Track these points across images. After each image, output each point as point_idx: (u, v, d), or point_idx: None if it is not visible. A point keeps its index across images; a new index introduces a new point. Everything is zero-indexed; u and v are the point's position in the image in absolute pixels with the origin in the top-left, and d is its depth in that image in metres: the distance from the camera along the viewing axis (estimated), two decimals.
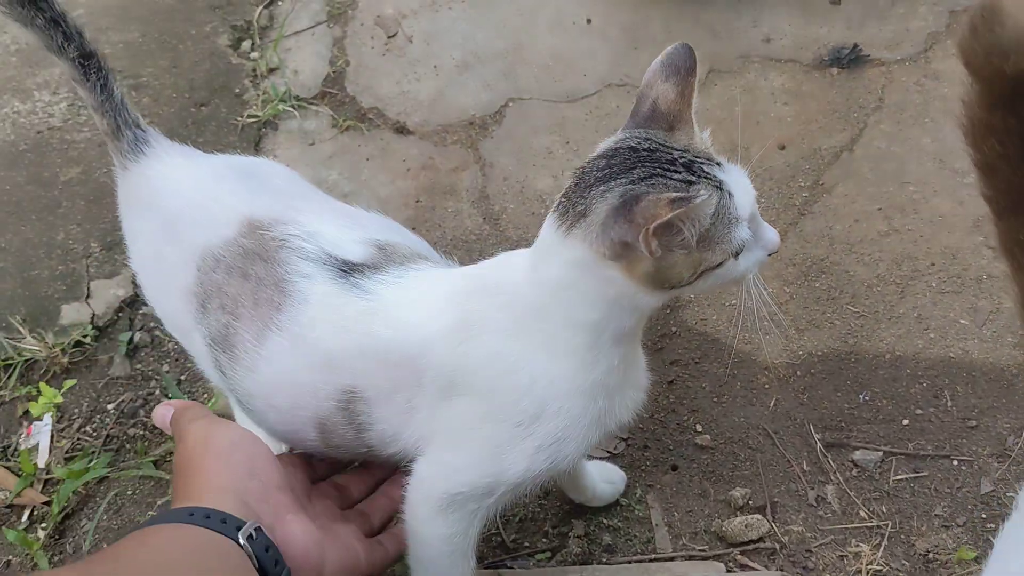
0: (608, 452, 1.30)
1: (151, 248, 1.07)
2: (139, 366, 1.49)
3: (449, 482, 0.92)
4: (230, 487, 0.79)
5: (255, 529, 0.75)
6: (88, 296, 1.57)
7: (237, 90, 1.90)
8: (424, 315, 0.92)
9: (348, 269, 0.94)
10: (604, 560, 1.19)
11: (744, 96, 1.72)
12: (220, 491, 0.78)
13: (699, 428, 1.32)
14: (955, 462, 1.22)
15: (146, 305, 1.56)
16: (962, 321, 1.38)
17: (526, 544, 1.22)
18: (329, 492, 0.98)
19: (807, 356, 1.37)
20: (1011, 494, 1.18)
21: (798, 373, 1.36)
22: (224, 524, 0.74)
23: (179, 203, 1.04)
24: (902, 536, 1.17)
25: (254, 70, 1.94)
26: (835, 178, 1.57)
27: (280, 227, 0.97)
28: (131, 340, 1.51)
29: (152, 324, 1.53)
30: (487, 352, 0.89)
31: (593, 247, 0.81)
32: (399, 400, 0.93)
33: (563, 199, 0.85)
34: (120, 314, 1.55)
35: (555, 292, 0.85)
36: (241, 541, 0.73)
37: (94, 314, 1.54)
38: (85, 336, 1.49)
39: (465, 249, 1.57)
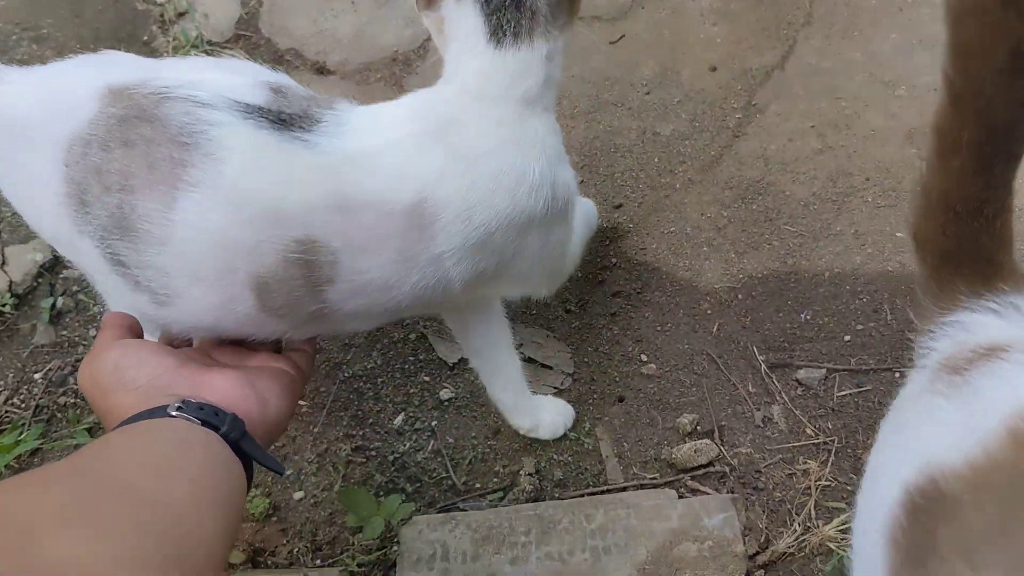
0: (555, 388, 1.28)
1: (14, 175, 0.94)
2: (64, 332, 1.42)
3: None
4: (139, 399, 0.79)
5: (180, 402, 0.78)
6: (4, 263, 1.49)
7: (145, 37, 1.81)
8: (406, 158, 0.90)
9: (276, 119, 0.87)
10: (556, 495, 1.18)
11: (672, 18, 1.69)
12: (134, 407, 0.78)
13: (644, 358, 1.31)
14: (897, 374, 1.23)
15: (67, 268, 1.49)
16: (898, 234, 1.38)
17: (477, 485, 1.21)
18: (226, 347, 0.96)
19: (747, 279, 1.36)
20: None
21: (739, 296, 1.35)
22: (152, 414, 0.76)
23: (22, 110, 0.90)
24: (848, 451, 1.18)
25: (162, 15, 1.84)
26: (767, 97, 1.55)
27: (151, 84, 0.86)
28: (54, 306, 1.44)
29: (75, 288, 1.46)
30: (492, 171, 0.92)
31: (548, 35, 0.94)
32: (388, 251, 0.89)
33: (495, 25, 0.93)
34: (39, 280, 1.48)
35: (519, 87, 0.95)
36: (172, 414, 0.76)
37: (11, 281, 1.46)
38: (4, 305, 1.42)
39: None
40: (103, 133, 0.85)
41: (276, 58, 1.75)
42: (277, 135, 0.86)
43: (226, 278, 0.88)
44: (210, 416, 0.77)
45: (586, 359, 1.32)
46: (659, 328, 1.33)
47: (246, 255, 0.86)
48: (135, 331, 0.89)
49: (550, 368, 1.31)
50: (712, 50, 1.64)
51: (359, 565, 1.12)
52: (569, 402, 1.25)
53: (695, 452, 1.19)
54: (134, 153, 0.85)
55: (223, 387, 0.82)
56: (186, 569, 0.62)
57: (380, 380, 1.32)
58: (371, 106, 0.97)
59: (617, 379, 1.29)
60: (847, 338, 1.28)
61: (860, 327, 1.28)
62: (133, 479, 0.67)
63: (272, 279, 0.87)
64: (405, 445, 1.25)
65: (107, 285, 0.95)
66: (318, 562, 1.15)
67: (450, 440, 1.25)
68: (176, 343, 0.95)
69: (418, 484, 1.21)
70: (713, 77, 1.60)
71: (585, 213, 1.24)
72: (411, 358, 1.34)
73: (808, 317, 1.31)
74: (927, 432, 0.66)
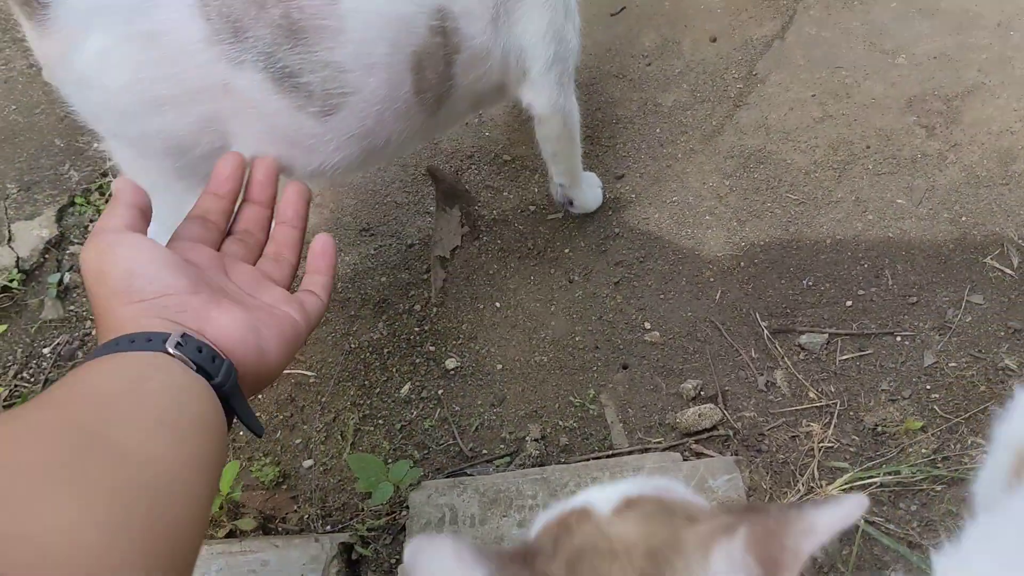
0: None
1: (128, 56, 0.93)
2: (72, 307, 1.44)
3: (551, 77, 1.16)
4: (143, 313, 0.74)
5: (180, 336, 0.72)
6: (10, 239, 1.50)
7: None
8: None
9: None
10: (562, 460, 1.19)
11: None
12: (135, 320, 0.73)
13: (647, 325, 1.32)
14: (898, 338, 1.24)
15: (74, 243, 1.51)
16: (899, 201, 1.39)
17: (484, 452, 1.22)
18: (237, 250, 0.90)
19: (749, 246, 1.37)
20: (952, 364, 1.20)
21: (742, 264, 1.36)
22: (151, 343, 0.71)
23: None
24: (851, 413, 1.19)
25: None
26: (768, 67, 1.56)
27: None
28: (61, 281, 1.46)
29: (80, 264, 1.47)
30: None
31: None
32: (486, 12, 1.03)
33: None
34: (46, 256, 1.49)
35: None
36: (171, 351, 0.70)
37: (19, 257, 1.48)
38: (12, 281, 1.43)
39: (399, 165, 1.54)
40: None
41: None
42: None
43: (394, 60, 0.97)
44: (206, 361, 0.72)
45: (589, 327, 1.33)
46: (662, 296, 1.35)
47: (407, 31, 0.96)
48: (146, 216, 0.81)
49: None
50: (712, 21, 1.64)
51: (369, 530, 1.14)
52: (574, 370, 1.27)
53: (699, 416, 1.20)
54: None
55: (227, 327, 0.77)
56: (173, 534, 0.60)
57: (386, 351, 1.33)
58: None
59: (621, 347, 1.30)
60: (848, 303, 1.29)
61: (861, 292, 1.29)
62: (122, 435, 0.63)
63: (423, 54, 0.98)
64: (412, 413, 1.26)
65: (263, 122, 0.98)
66: (328, 528, 1.16)
67: (456, 408, 1.26)
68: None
69: (426, 451, 1.23)
70: (713, 48, 1.61)
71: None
72: (416, 329, 1.35)
73: (810, 283, 1.32)
74: None
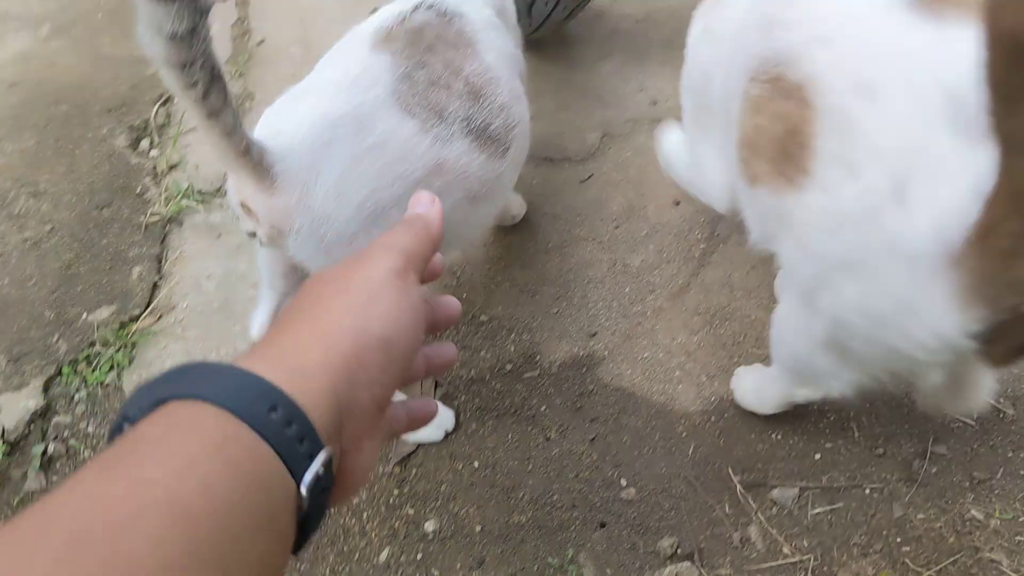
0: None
1: (363, 172, 1.05)
2: (55, 478, 1.45)
3: None
4: (330, 364, 0.47)
5: (327, 458, 0.45)
6: None
7: (138, 190, 1.90)
8: None
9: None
10: None
11: (637, 158, 1.80)
12: (316, 379, 0.47)
13: (624, 482, 1.34)
14: (867, 490, 1.27)
15: (58, 414, 1.53)
16: None
17: None
18: None
19: (720, 401, 1.42)
20: (921, 516, 1.23)
21: (712, 419, 1.40)
22: (278, 426, 0.43)
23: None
24: (824, 568, 1.21)
25: (155, 168, 1.95)
26: (729, 227, 1.64)
27: (392, 16, 1.20)
28: (45, 452, 1.48)
29: (67, 434, 1.50)
30: None
31: None
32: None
33: None
34: (31, 427, 1.51)
35: None
36: (303, 492, 0.44)
37: (4, 428, 1.50)
38: None
39: None
40: (407, 62, 1.11)
41: None
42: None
43: (516, 85, 1.31)
44: (313, 504, 0.45)
45: (567, 485, 1.35)
46: (637, 452, 1.38)
47: (514, 60, 1.36)
48: (433, 271, 0.61)
49: None
50: (675, 186, 1.73)
51: None
52: (552, 530, 1.28)
53: None
54: (435, 53, 1.13)
55: (359, 466, 0.51)
56: None
57: (365, 515, 1.35)
58: None
59: (598, 504, 1.32)
60: (817, 456, 1.32)
61: (829, 445, 1.33)
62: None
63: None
64: None
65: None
66: None
67: (436, 573, 1.27)
68: None
69: None
70: (677, 211, 1.70)
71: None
72: (396, 491, 1.37)
73: (779, 437, 1.35)
74: None
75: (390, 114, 1.07)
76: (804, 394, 1.22)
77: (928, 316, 0.82)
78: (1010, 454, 1.27)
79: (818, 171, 0.90)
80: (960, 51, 0.69)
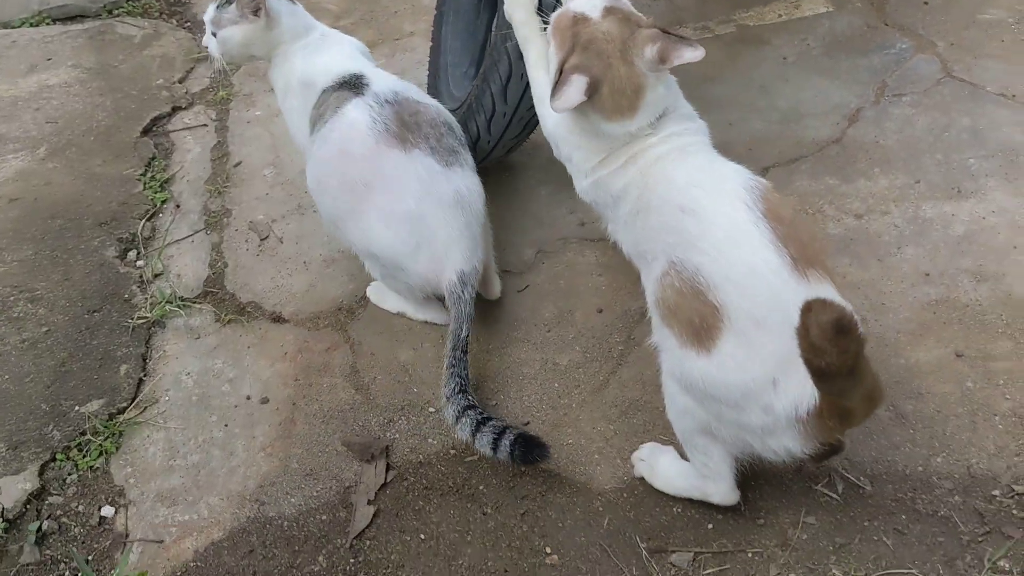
0: None
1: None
2: (48, 551, 1.65)
3: None
4: None
5: None
6: None
7: (126, 296, 2.14)
8: None
9: None
10: None
11: (567, 271, 2.08)
12: None
13: (548, 550, 1.57)
14: (749, 554, 1.51)
15: (52, 494, 1.73)
16: None
17: None
18: None
19: (631, 480, 1.66)
20: (792, 574, 1.47)
21: (624, 495, 1.64)
22: None
23: None
24: None
25: (141, 277, 2.19)
26: (643, 333, 1.90)
27: None
28: (39, 529, 1.67)
29: (59, 512, 1.70)
30: None
31: None
32: None
33: None
34: (27, 506, 1.71)
35: None
36: None
37: (3, 508, 1.69)
38: None
39: (340, 419, 1.82)
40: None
41: (239, 310, 2.09)
42: None
43: None
44: None
45: (500, 554, 1.57)
46: (560, 524, 1.61)
47: None
48: None
49: None
50: (598, 296, 2.02)
51: None
52: None
53: None
54: None
55: None
56: None
57: None
58: None
59: (526, 570, 1.55)
60: (710, 526, 1.56)
61: (720, 516, 1.57)
62: None
63: None
64: None
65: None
66: None
67: None
68: None
69: None
70: (600, 317, 1.97)
71: None
72: (351, 560, 1.58)
73: (679, 510, 1.59)
74: None
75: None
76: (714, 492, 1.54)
77: (780, 440, 1.33)
78: (866, 523, 1.52)
79: (718, 356, 1.31)
80: None
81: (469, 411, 1.66)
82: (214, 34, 1.97)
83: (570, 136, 1.57)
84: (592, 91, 1.40)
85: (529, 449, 1.60)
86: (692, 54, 1.37)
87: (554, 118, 1.61)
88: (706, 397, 1.36)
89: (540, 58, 1.70)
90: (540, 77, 1.71)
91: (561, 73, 1.41)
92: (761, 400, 1.29)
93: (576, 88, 1.39)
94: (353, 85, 1.88)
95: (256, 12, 1.91)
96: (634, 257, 1.56)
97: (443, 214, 1.82)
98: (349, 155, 1.82)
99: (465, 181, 1.87)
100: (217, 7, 1.96)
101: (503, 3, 1.77)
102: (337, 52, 2.00)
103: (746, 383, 1.30)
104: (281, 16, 1.95)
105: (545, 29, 1.57)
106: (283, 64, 1.99)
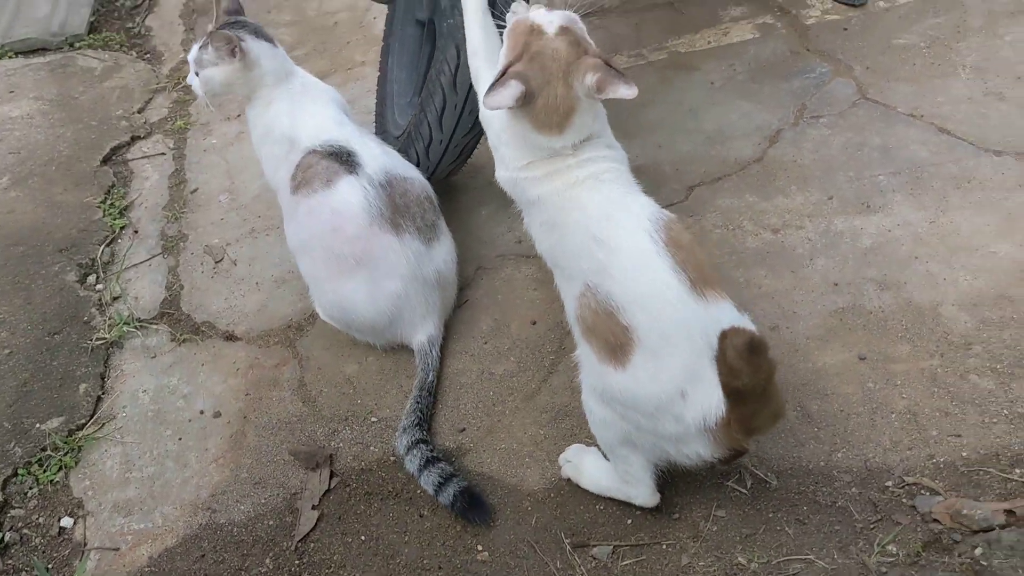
0: None
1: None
2: (11, 561, 1.74)
3: None
4: None
5: None
6: None
7: (86, 318, 2.24)
8: None
9: None
10: None
11: (504, 286, 2.20)
12: None
13: (480, 547, 1.69)
14: (664, 546, 1.64)
15: (14, 508, 1.83)
16: None
17: None
18: None
19: (558, 481, 1.78)
20: (702, 563, 1.59)
21: (552, 495, 1.76)
22: None
23: None
24: None
25: (100, 300, 2.30)
26: (572, 343, 2.02)
27: None
28: (2, 540, 1.77)
29: (20, 524, 1.80)
30: None
31: None
32: None
33: None
34: None
35: None
36: None
37: None
38: None
39: (288, 430, 1.93)
40: None
41: (194, 329, 2.20)
42: None
43: None
44: None
45: (435, 552, 1.69)
46: (492, 523, 1.72)
47: None
48: None
49: None
50: (533, 308, 2.14)
51: None
52: None
53: None
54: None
55: None
56: None
57: None
58: None
59: (459, 565, 1.66)
60: (629, 521, 1.69)
61: (638, 512, 1.69)
62: None
63: None
64: None
65: None
66: None
67: None
68: None
69: None
70: (534, 329, 2.09)
71: None
72: (296, 561, 1.69)
73: (601, 507, 1.72)
74: None
75: None
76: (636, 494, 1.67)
77: (692, 447, 1.47)
78: (771, 514, 1.65)
79: (632, 370, 1.44)
80: (716, 318, 1.39)
81: (421, 445, 1.79)
82: (197, 74, 2.05)
83: (501, 131, 1.65)
84: (526, 101, 1.50)
85: (471, 506, 1.71)
86: (626, 91, 1.45)
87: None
88: (624, 409, 1.49)
89: (479, 47, 1.78)
90: (480, 64, 1.79)
91: (503, 74, 1.50)
92: (672, 410, 1.43)
93: (510, 92, 1.48)
94: (344, 160, 1.95)
95: (232, 53, 1.97)
96: (548, 262, 1.68)
97: (424, 294, 1.99)
98: (341, 232, 1.92)
99: (443, 255, 2.05)
100: (199, 47, 2.03)
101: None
102: (323, 112, 2.05)
103: (658, 395, 1.43)
104: (261, 59, 2.02)
105: (498, 26, 1.69)
106: (265, 110, 2.04)
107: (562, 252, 1.60)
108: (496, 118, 1.66)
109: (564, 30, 1.52)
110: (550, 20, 1.53)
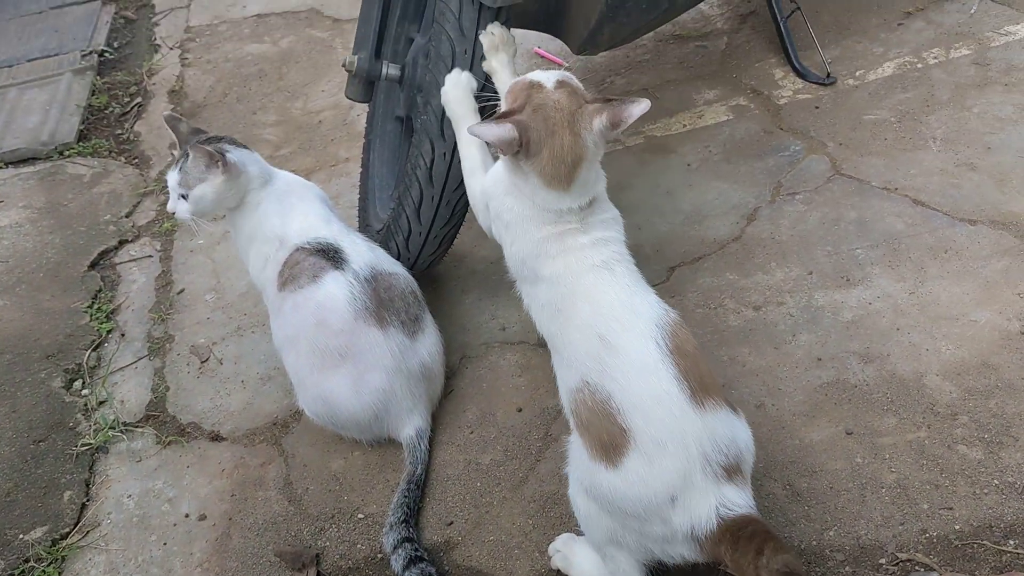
0: None
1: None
2: None
3: None
4: None
5: None
6: None
7: (71, 424, 2.23)
8: None
9: None
10: None
11: (489, 373, 2.20)
12: None
13: None
14: None
15: None
16: None
17: None
18: None
19: (547, 571, 1.74)
20: None
21: None
22: None
23: None
24: None
25: (86, 405, 2.29)
26: (560, 429, 2.03)
27: None
28: None
29: None
30: None
31: None
32: None
33: None
34: None
35: None
36: None
37: None
38: None
39: (274, 531, 1.91)
40: None
41: (179, 431, 2.19)
42: None
43: None
44: None
45: None
46: None
47: None
48: None
49: None
50: (518, 395, 2.14)
51: None
52: None
53: None
54: None
55: None
56: None
57: None
58: None
59: None
60: None
61: None
62: None
63: None
64: None
65: None
66: None
67: None
68: None
69: None
70: (520, 416, 2.08)
71: None
72: None
73: None
74: None
75: None
76: None
77: (678, 549, 1.46)
78: None
79: (624, 471, 1.44)
80: (712, 427, 1.42)
81: (406, 544, 1.77)
82: (184, 196, 2.02)
83: (504, 210, 1.68)
84: (517, 147, 1.52)
85: None
86: (639, 109, 1.50)
87: (492, 177, 1.75)
88: (613, 507, 1.48)
89: (478, 165, 1.84)
90: (472, 152, 1.84)
91: (503, 117, 1.53)
92: (661, 513, 1.42)
93: (501, 131, 1.50)
94: (331, 256, 1.98)
95: (217, 165, 1.98)
96: (545, 337, 1.68)
97: (410, 387, 2.00)
98: (326, 326, 1.93)
99: (428, 347, 2.05)
100: (179, 170, 2.02)
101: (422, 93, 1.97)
102: (309, 209, 2.08)
103: (648, 497, 1.42)
104: (247, 165, 2.05)
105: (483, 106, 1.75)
106: (253, 212, 2.06)
107: (564, 341, 1.60)
108: (499, 190, 1.69)
109: (562, 83, 1.56)
110: (548, 76, 1.58)
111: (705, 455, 1.40)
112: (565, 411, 1.62)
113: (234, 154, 2.03)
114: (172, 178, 2.05)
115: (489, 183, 1.76)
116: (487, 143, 1.77)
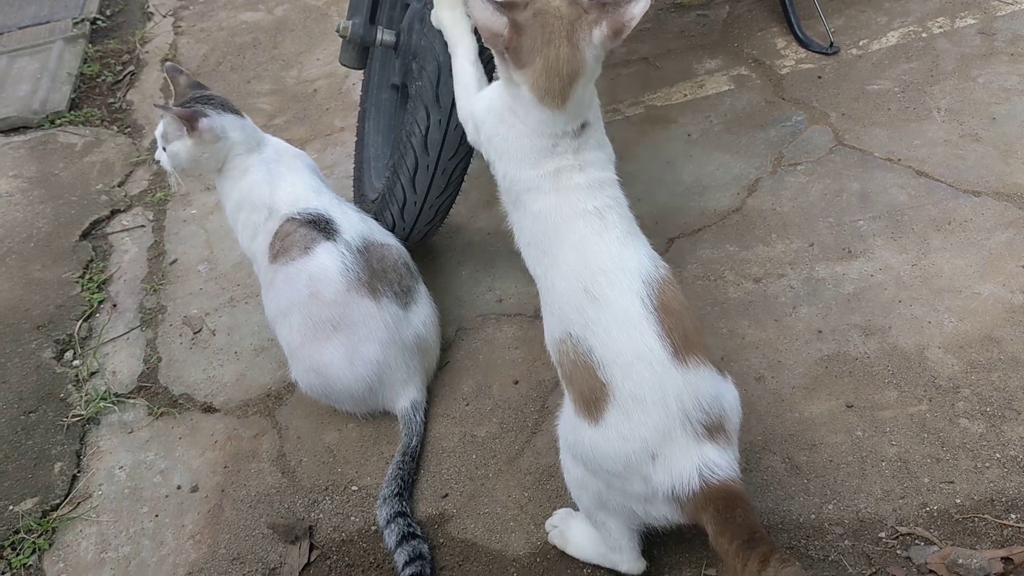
0: None
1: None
2: None
3: None
4: None
5: None
6: None
7: (62, 395, 2.21)
8: None
9: None
10: None
11: (485, 346, 2.17)
12: None
13: None
14: None
15: None
16: None
17: None
18: None
19: (543, 545, 1.73)
20: None
21: (538, 559, 1.71)
22: None
23: None
24: None
25: (77, 376, 2.26)
26: (555, 402, 1.99)
27: None
28: None
29: None
30: None
31: None
32: None
33: None
34: None
35: None
36: None
37: None
38: None
39: (267, 503, 1.89)
40: None
41: (171, 402, 2.16)
42: None
43: None
44: None
45: None
46: None
47: None
48: None
49: None
50: (515, 368, 2.11)
51: None
52: None
53: None
54: None
55: None
56: None
57: None
58: None
59: None
60: None
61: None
62: None
63: None
64: None
65: None
66: None
67: None
68: None
69: None
70: (516, 389, 2.06)
71: None
72: None
73: (589, 571, 1.66)
74: None
75: None
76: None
77: (660, 509, 1.43)
78: None
79: (604, 427, 1.41)
80: (694, 384, 1.38)
81: (399, 519, 1.75)
82: (164, 148, 2.03)
83: (496, 136, 1.57)
84: (501, 46, 1.42)
85: None
86: (640, 8, 1.38)
87: (484, 103, 1.62)
88: (595, 464, 1.45)
89: (469, 52, 1.73)
90: (468, 68, 1.73)
91: (507, 7, 1.41)
92: (641, 470, 1.39)
93: (497, 21, 1.40)
94: (322, 228, 1.95)
95: (184, 128, 1.96)
96: (532, 275, 1.61)
97: (405, 359, 1.97)
98: (319, 298, 1.91)
99: (422, 318, 2.03)
100: (164, 122, 2.02)
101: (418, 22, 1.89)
102: (299, 179, 2.05)
103: (627, 453, 1.39)
104: (227, 130, 2.00)
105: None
106: (241, 178, 2.03)
107: (548, 285, 1.54)
108: (492, 117, 1.58)
109: None
110: None
111: (686, 412, 1.37)
112: (552, 358, 1.58)
113: (212, 119, 1.99)
114: (159, 128, 2.05)
115: (481, 110, 1.63)
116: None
